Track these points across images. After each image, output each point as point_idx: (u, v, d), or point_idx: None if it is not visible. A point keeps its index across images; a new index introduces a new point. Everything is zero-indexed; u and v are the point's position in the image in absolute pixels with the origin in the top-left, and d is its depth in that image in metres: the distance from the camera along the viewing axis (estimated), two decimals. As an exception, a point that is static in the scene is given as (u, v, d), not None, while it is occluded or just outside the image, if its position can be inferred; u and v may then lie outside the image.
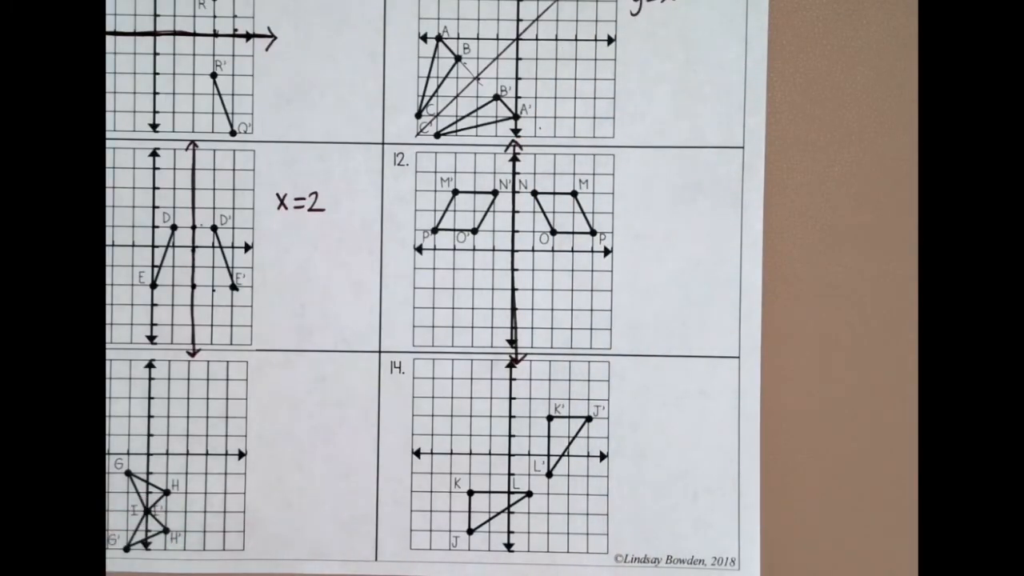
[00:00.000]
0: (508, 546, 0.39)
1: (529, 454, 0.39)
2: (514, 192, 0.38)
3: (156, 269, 0.38)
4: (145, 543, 0.39)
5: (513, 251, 0.39)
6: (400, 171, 0.38)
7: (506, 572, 0.39)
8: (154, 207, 0.38)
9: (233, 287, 0.38)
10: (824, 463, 0.39)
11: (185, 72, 0.38)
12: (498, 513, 0.39)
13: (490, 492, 0.39)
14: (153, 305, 0.39)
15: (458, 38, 0.38)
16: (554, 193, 0.38)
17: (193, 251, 0.38)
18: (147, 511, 0.39)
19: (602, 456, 0.39)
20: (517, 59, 0.38)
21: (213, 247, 0.38)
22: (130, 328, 0.38)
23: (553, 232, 0.39)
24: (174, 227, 0.38)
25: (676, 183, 0.38)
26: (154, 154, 0.38)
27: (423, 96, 0.38)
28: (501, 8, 0.38)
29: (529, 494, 0.39)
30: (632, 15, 0.38)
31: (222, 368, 0.38)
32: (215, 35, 0.38)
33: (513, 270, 0.39)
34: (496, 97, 0.38)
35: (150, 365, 0.39)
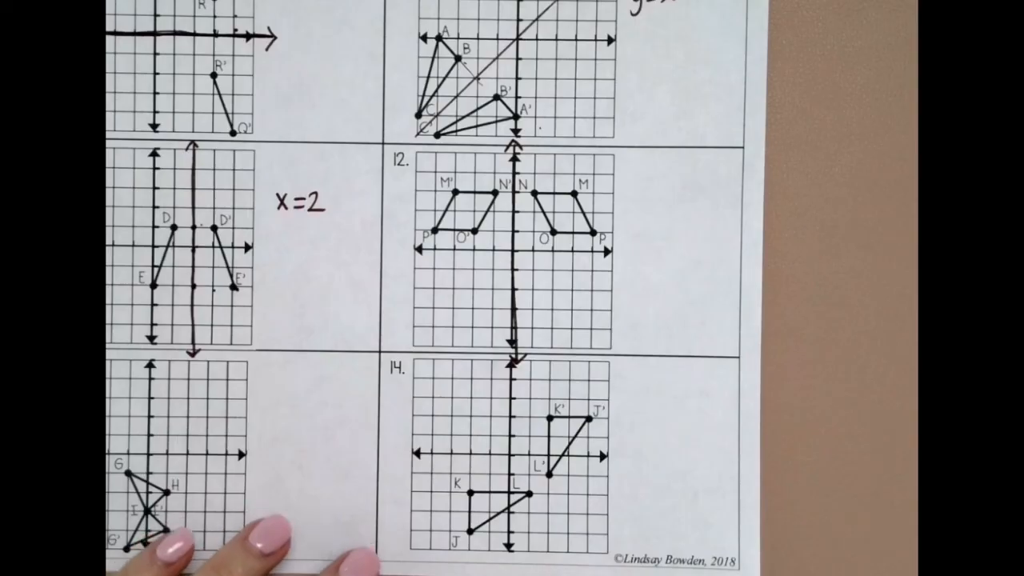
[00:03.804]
0: (508, 546, 0.39)
1: (529, 454, 0.39)
2: (514, 192, 0.38)
3: (156, 269, 0.38)
4: (145, 543, 0.39)
5: (513, 251, 0.39)
6: (400, 171, 0.38)
7: (506, 572, 0.39)
8: (154, 207, 0.38)
9: (233, 287, 0.38)
10: (824, 463, 0.39)
11: (185, 72, 0.38)
12: (498, 513, 0.39)
13: (490, 492, 0.39)
14: (153, 305, 0.39)
15: (458, 38, 0.38)
16: (554, 193, 0.38)
17: (193, 251, 0.38)
18: (147, 511, 0.39)
19: (602, 456, 0.39)
20: (517, 59, 0.38)
21: (213, 247, 0.38)
22: (130, 328, 0.38)
23: (553, 232, 0.39)
24: (174, 227, 0.38)
25: (676, 183, 0.38)
26: (154, 154, 0.38)
27: (423, 96, 0.38)
28: (501, 8, 0.38)
29: (529, 494, 0.39)
30: (632, 15, 0.38)
31: (222, 368, 0.38)
32: (215, 35, 0.38)
33: (513, 270, 0.39)
34: (496, 97, 0.38)
35: (150, 365, 0.39)
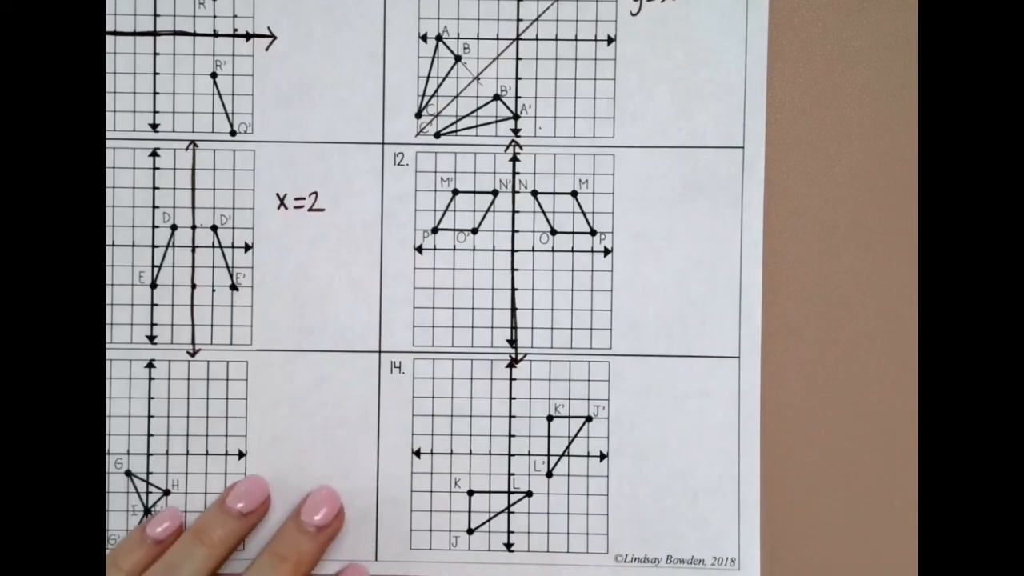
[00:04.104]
0: (508, 546, 0.39)
1: (529, 454, 0.39)
2: (514, 192, 0.38)
3: (156, 269, 0.38)
4: (145, 543, 0.39)
5: (513, 251, 0.39)
6: (400, 171, 0.38)
7: (506, 572, 0.39)
8: (154, 207, 0.38)
9: (233, 287, 0.38)
10: (824, 463, 0.39)
11: (185, 72, 0.38)
12: (498, 513, 0.39)
13: (490, 492, 0.39)
14: (153, 305, 0.39)
15: (458, 38, 0.38)
16: (554, 193, 0.38)
17: (193, 251, 0.38)
18: (147, 511, 0.39)
19: (602, 456, 0.39)
20: (517, 59, 0.38)
21: (213, 247, 0.38)
22: (130, 328, 0.38)
23: (553, 232, 0.39)
24: (174, 227, 0.38)
25: (676, 183, 0.38)
26: (154, 154, 0.38)
27: (423, 96, 0.38)
28: (501, 8, 0.38)
29: (529, 494, 0.39)
30: (632, 15, 0.38)
31: (222, 368, 0.38)
32: (215, 35, 0.38)
33: (513, 270, 0.39)
34: (496, 97, 0.38)
35: (150, 365, 0.39)
